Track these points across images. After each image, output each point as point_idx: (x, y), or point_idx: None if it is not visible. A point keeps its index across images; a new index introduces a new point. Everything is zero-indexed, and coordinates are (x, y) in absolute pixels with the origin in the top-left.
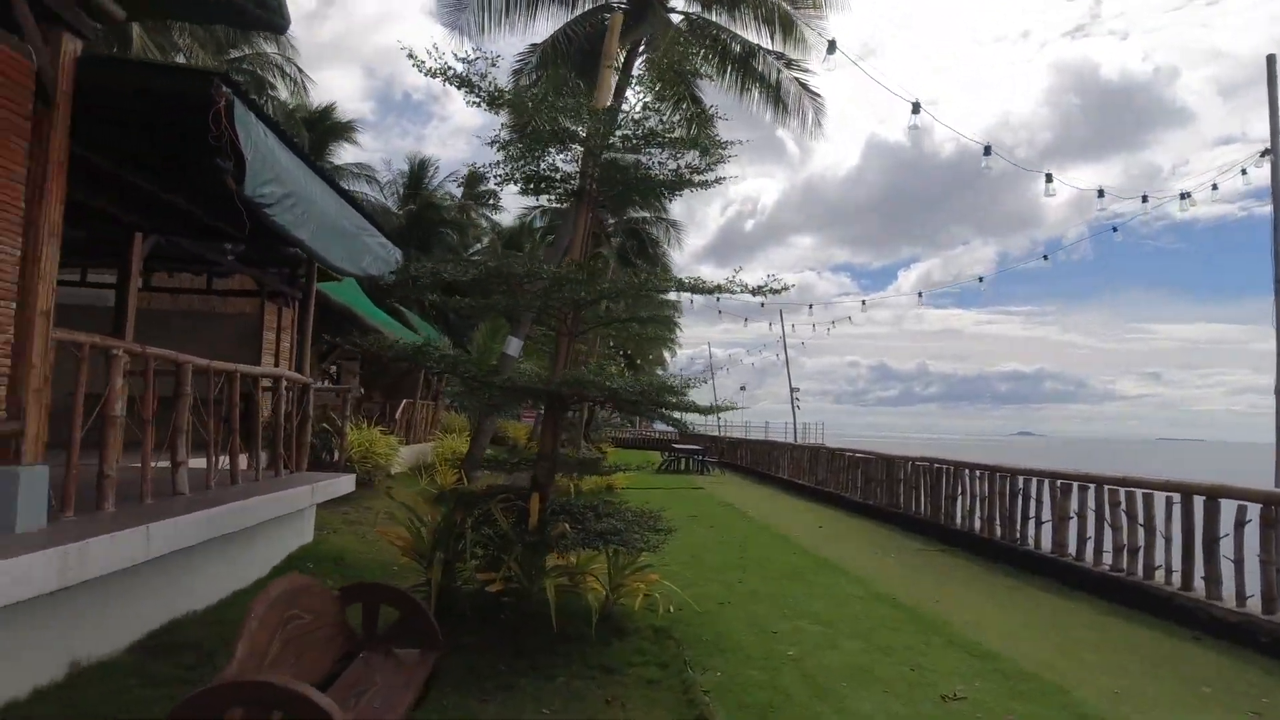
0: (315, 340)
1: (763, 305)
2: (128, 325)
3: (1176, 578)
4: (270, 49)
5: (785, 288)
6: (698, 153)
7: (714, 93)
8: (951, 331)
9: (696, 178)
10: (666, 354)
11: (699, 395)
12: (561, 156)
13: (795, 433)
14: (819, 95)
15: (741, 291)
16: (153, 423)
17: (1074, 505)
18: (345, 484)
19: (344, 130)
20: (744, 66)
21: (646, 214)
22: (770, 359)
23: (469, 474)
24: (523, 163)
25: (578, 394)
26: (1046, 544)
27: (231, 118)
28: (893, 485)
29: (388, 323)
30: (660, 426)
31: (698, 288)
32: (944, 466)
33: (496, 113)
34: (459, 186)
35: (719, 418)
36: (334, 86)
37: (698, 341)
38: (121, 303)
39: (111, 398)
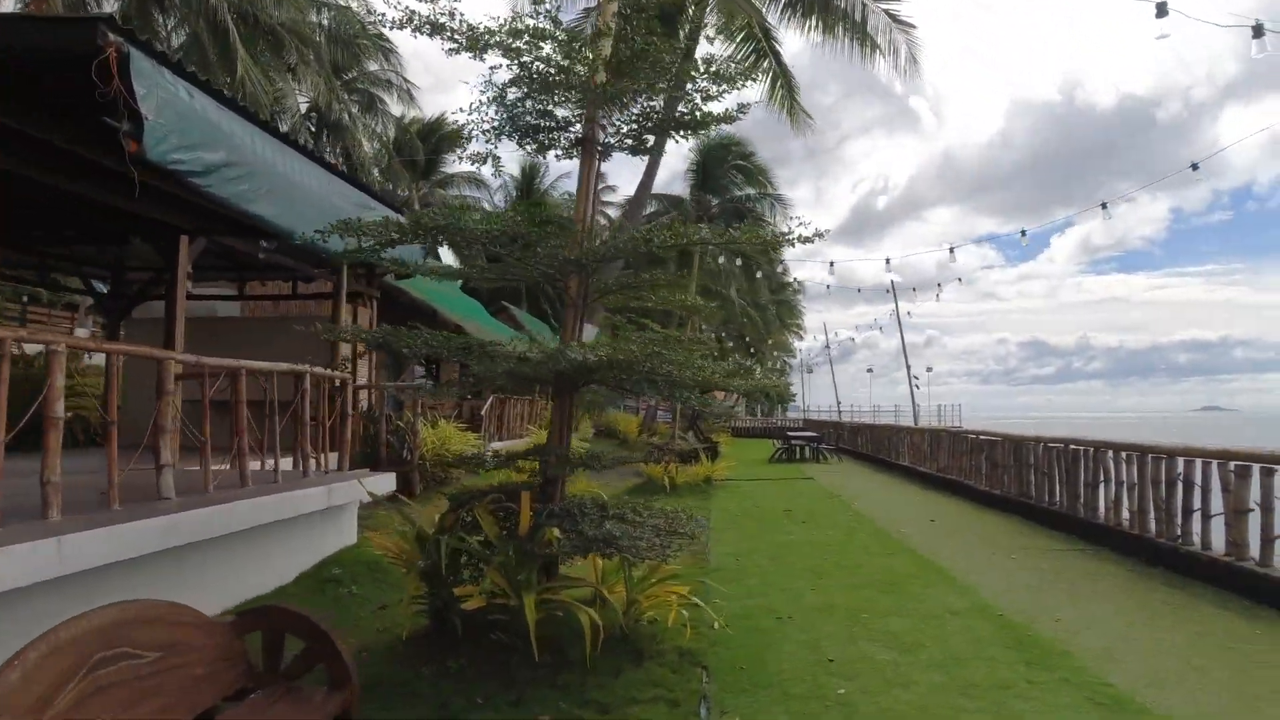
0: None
1: (892, 284)
2: (177, 330)
3: None
4: (373, 66)
5: (820, 234)
6: (708, 79)
7: (797, 46)
8: (1116, 300)
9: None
10: (792, 339)
11: (816, 382)
12: (562, 99)
13: (915, 416)
14: (911, 26)
15: (774, 241)
16: (115, 425)
17: (1254, 494)
18: (382, 482)
19: (456, 138)
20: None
21: (750, 190)
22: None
23: (545, 471)
24: (518, 109)
25: (585, 374)
26: (1219, 544)
27: (126, 70)
28: (1022, 471)
29: (487, 320)
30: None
31: (721, 241)
32: (1082, 449)
33: (481, 57)
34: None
35: (838, 402)
36: (463, 99)
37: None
38: (170, 308)
39: (51, 396)
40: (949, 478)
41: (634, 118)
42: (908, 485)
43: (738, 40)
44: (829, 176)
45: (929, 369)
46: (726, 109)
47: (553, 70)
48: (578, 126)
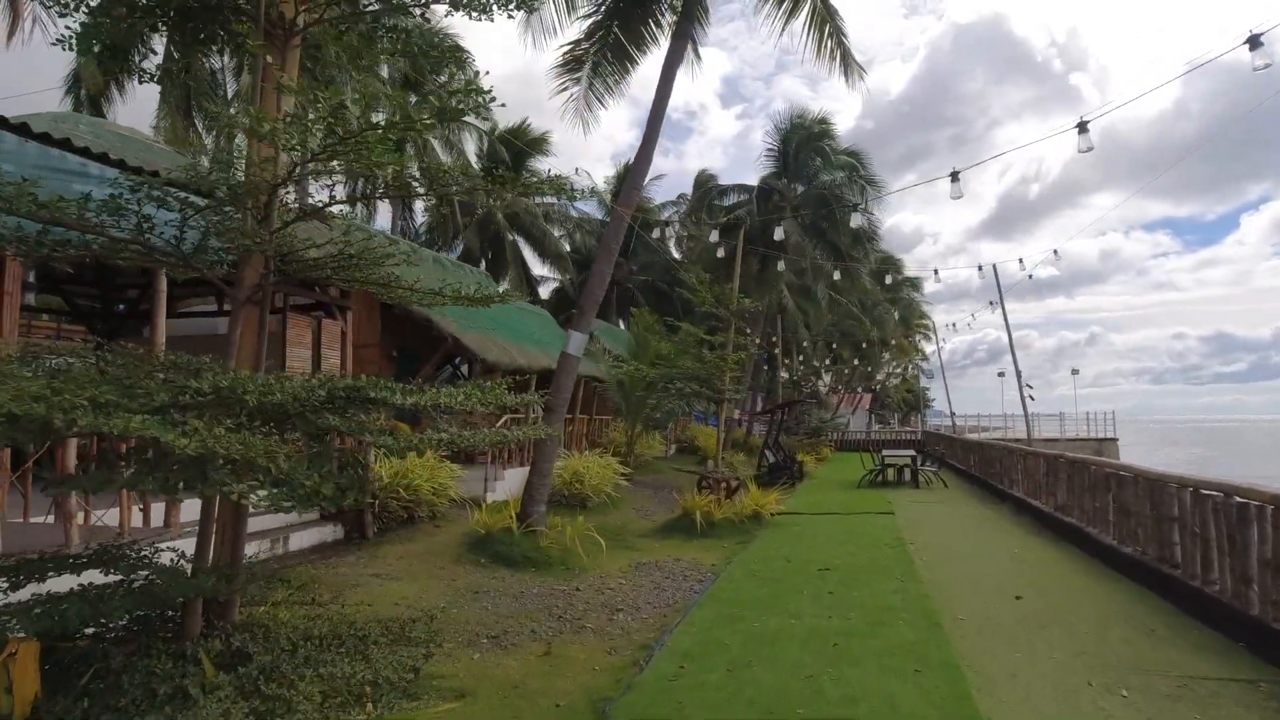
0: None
1: (1031, 277)
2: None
3: None
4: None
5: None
6: None
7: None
8: None
9: None
10: (920, 339)
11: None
12: None
13: (1029, 431)
14: None
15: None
16: None
17: None
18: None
19: (539, 144)
20: None
21: (838, 175)
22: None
23: (527, 511)
24: None
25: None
26: None
27: None
28: (1161, 527)
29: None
30: (932, 421)
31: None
32: (1255, 504)
33: None
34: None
35: (951, 413)
36: (605, 118)
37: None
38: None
39: None
40: (1068, 520)
41: None
42: (1012, 529)
43: None
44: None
45: (1075, 371)
46: None
47: None
48: None
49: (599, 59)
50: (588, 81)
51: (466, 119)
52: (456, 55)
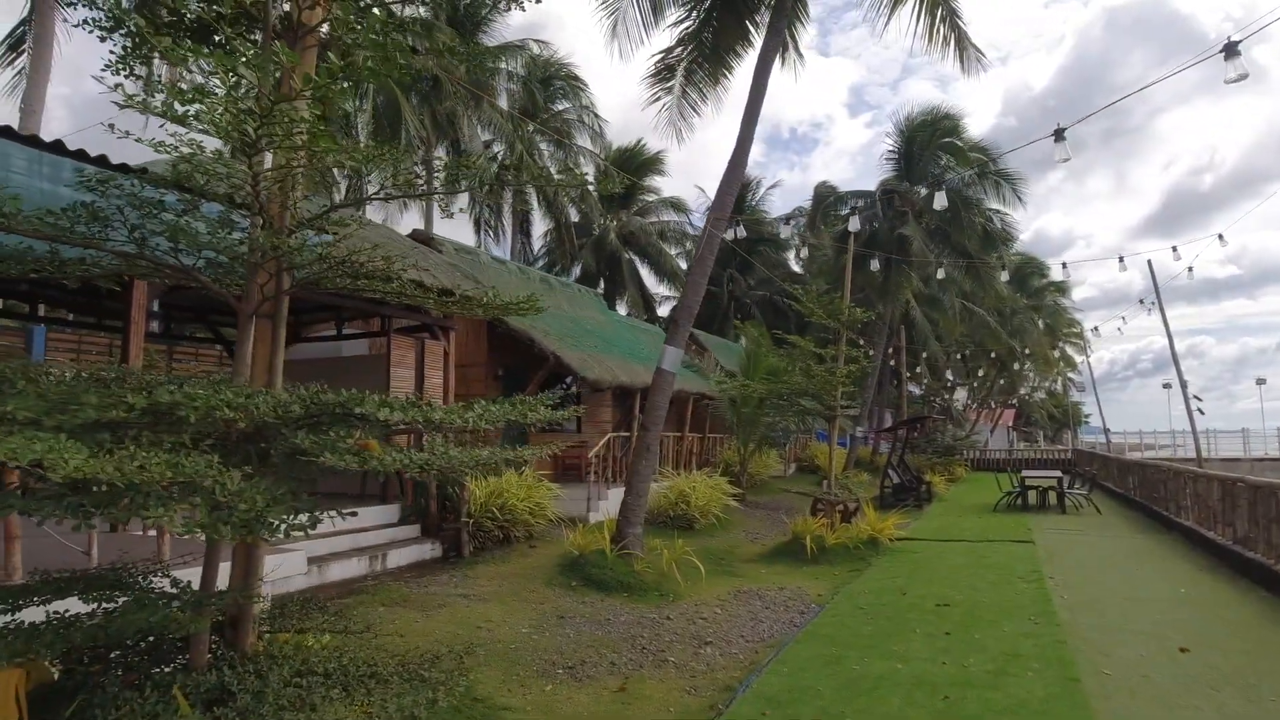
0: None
1: (1191, 270)
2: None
3: None
4: (562, 105)
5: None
6: None
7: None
8: None
9: None
10: (1072, 351)
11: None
12: None
13: (1198, 452)
14: None
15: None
16: None
17: None
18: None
19: (654, 163)
20: None
21: (967, 173)
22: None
23: (622, 533)
24: None
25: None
26: None
27: None
28: None
29: (613, 346)
30: (1085, 438)
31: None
32: None
33: None
34: (797, 217)
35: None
36: (721, 133)
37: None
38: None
39: None
40: (1250, 556)
41: None
42: (1179, 563)
43: None
44: (1133, 158)
45: (1261, 381)
46: None
47: None
48: None
49: (691, 66)
50: (680, 90)
51: (581, 143)
52: (572, 82)
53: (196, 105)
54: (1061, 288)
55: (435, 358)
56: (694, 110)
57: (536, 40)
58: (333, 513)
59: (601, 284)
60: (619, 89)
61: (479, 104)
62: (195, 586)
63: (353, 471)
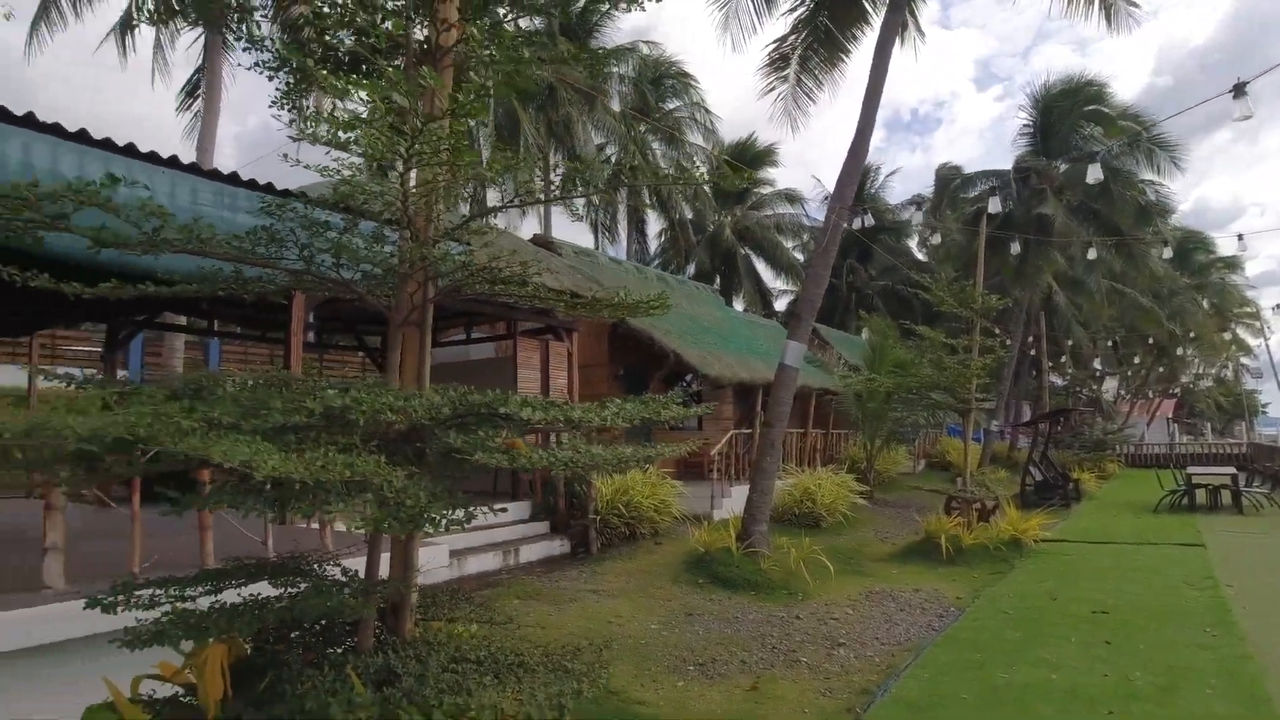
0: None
1: None
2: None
3: None
4: (673, 104)
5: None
6: None
7: None
8: None
9: None
10: (1245, 334)
11: None
12: None
13: None
14: None
15: None
16: None
17: None
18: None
19: (767, 156)
20: None
21: (1115, 143)
22: None
23: (748, 530)
24: None
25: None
26: None
27: None
28: None
29: (746, 344)
30: (1265, 430)
31: None
32: None
33: None
34: (920, 203)
35: None
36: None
37: None
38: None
39: None
40: None
41: None
42: None
43: None
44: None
45: None
46: None
47: None
48: None
49: (806, 52)
50: (795, 78)
51: (693, 140)
52: (683, 79)
53: (355, 132)
54: (1231, 263)
55: (559, 358)
56: (809, 98)
57: (646, 41)
58: (485, 509)
59: (717, 281)
60: (729, 85)
61: (592, 108)
62: (358, 576)
63: (491, 469)
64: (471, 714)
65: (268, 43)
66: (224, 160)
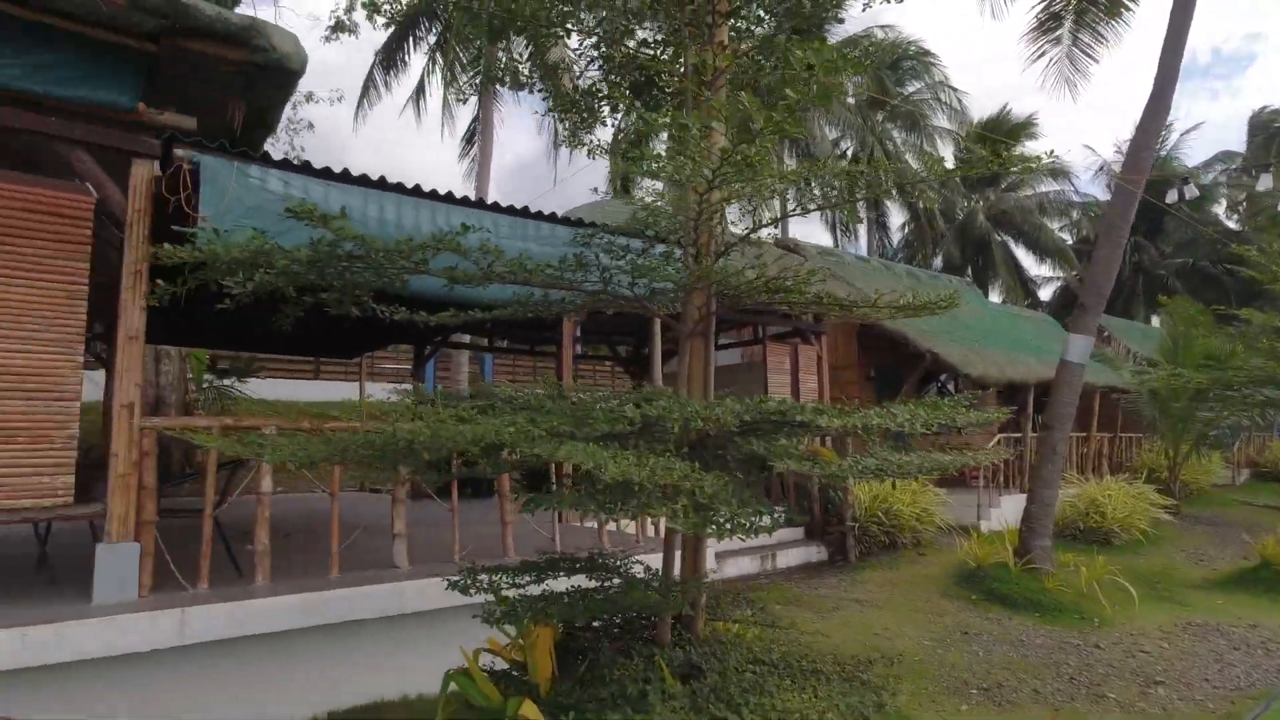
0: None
1: None
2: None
3: None
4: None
5: None
6: None
7: None
8: None
9: None
10: None
11: None
12: None
13: None
14: None
15: None
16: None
17: None
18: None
19: (1024, 129)
20: None
21: None
22: None
23: (1027, 545)
24: None
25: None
26: None
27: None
28: None
29: (1011, 339)
30: None
31: None
32: None
33: None
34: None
35: None
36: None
37: None
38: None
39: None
40: None
41: None
42: None
43: None
44: None
45: None
46: None
47: None
48: None
49: (1084, 4)
50: (1070, 38)
51: (938, 123)
52: (924, 59)
53: (680, 159)
54: None
55: (809, 362)
56: (1089, 56)
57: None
58: (780, 509)
59: (969, 272)
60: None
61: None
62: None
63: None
64: (776, 716)
65: (558, 92)
66: (492, 192)
